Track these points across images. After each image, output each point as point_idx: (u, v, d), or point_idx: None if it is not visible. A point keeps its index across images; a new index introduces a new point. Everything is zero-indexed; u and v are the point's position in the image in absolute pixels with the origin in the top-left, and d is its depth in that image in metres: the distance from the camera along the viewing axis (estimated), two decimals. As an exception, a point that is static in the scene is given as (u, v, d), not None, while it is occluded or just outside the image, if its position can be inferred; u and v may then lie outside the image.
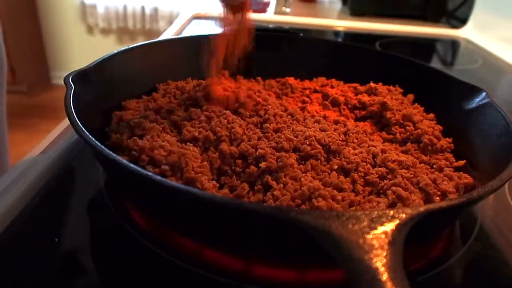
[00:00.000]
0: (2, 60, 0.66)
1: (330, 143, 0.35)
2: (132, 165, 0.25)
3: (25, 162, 0.38)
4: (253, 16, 0.41)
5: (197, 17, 1.00)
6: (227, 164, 0.33)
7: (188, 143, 0.35)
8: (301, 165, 0.33)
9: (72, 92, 0.32)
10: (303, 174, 0.32)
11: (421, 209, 0.22)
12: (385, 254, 0.19)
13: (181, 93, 0.44)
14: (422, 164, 0.37)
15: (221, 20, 0.40)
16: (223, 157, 0.34)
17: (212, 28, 0.41)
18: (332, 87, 0.51)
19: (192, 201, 0.24)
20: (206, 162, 0.33)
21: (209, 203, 0.23)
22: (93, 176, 0.37)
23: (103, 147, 0.26)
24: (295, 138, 0.36)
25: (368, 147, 0.37)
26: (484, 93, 0.40)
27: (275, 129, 0.38)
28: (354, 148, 0.36)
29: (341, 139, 0.37)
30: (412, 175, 0.33)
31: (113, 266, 0.29)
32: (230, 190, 0.32)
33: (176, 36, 0.77)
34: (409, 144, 0.41)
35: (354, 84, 0.51)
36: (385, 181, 0.33)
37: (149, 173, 0.24)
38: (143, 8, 2.22)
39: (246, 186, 0.31)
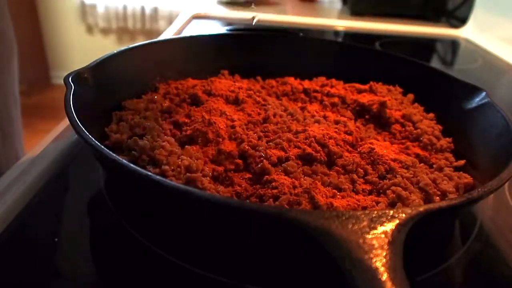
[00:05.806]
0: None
1: (330, 143, 0.35)
2: (132, 165, 0.25)
3: (25, 162, 0.38)
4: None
5: (197, 17, 1.00)
6: (227, 163, 0.33)
7: (188, 143, 0.35)
8: (300, 165, 0.33)
9: (72, 92, 0.32)
10: (303, 175, 0.32)
11: (421, 209, 0.22)
12: (384, 254, 0.19)
13: (181, 92, 0.44)
14: (422, 164, 0.37)
15: None
16: (223, 157, 0.34)
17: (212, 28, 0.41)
18: (332, 87, 0.51)
19: (192, 201, 0.24)
20: (206, 162, 0.33)
21: (209, 203, 0.23)
22: (93, 176, 0.37)
23: (103, 147, 0.26)
24: (295, 138, 0.36)
25: (368, 146, 0.37)
26: (484, 93, 0.40)
27: (275, 129, 0.38)
28: (354, 148, 0.36)
29: (341, 138, 0.37)
30: (412, 175, 0.33)
31: (113, 266, 0.29)
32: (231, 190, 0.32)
33: (176, 36, 0.77)
34: (409, 143, 0.41)
35: (354, 84, 0.51)
36: (385, 181, 0.33)
37: (149, 173, 0.24)
38: (143, 8, 2.22)
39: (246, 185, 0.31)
